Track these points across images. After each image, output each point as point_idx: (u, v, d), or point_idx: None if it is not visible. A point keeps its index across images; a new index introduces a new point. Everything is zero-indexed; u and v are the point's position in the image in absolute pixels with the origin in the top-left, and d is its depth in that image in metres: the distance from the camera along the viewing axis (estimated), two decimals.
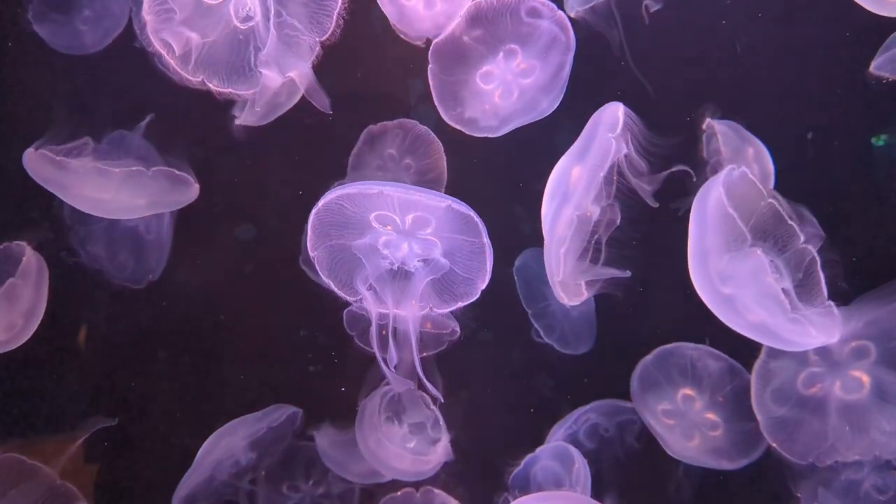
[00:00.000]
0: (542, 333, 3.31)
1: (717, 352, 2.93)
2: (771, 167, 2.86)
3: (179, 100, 2.72)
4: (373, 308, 2.53)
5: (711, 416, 2.92)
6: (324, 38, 2.69)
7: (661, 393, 3.00)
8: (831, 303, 2.31)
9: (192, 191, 2.90)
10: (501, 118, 2.81)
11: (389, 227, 2.44)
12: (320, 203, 2.40)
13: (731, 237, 2.20)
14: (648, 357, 3.02)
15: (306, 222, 3.14)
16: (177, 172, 2.82)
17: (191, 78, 2.58)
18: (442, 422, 3.02)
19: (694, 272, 2.35)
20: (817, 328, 2.23)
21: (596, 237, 2.48)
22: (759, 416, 2.65)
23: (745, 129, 2.94)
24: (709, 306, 2.36)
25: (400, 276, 2.52)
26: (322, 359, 3.45)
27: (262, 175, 3.40)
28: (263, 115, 2.89)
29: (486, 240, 2.38)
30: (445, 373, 2.89)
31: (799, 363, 2.57)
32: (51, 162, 2.73)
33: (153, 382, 3.48)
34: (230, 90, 2.63)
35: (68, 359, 3.42)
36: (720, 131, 2.84)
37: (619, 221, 2.47)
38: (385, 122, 3.10)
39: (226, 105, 2.83)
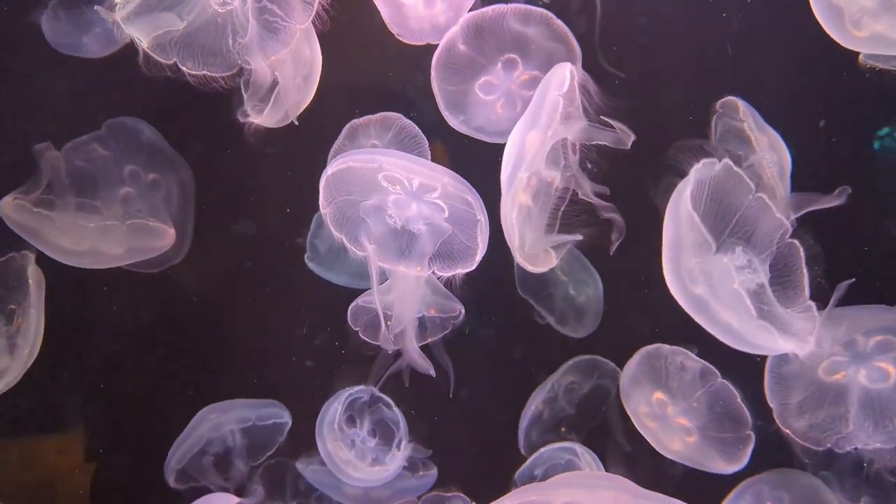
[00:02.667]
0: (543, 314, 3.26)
1: (691, 354, 2.80)
2: (787, 155, 2.69)
3: (176, 95, 2.70)
4: (375, 263, 2.56)
5: (684, 421, 2.81)
6: (304, 24, 2.68)
7: (641, 394, 2.89)
8: (811, 303, 2.19)
9: (168, 237, 2.97)
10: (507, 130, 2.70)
11: (398, 188, 2.46)
12: (329, 170, 2.45)
13: (700, 239, 2.09)
14: (633, 357, 2.92)
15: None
16: (150, 224, 2.91)
17: (162, 60, 2.56)
18: (403, 425, 3.01)
19: (666, 269, 2.26)
20: (788, 336, 2.12)
21: (562, 203, 2.44)
22: (772, 403, 2.55)
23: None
24: (681, 305, 2.26)
25: (402, 235, 2.54)
26: (322, 355, 3.41)
27: (259, 172, 3.38)
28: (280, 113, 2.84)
29: (480, 216, 2.41)
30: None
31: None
32: (28, 212, 2.79)
33: (152, 380, 3.47)
34: (204, 73, 2.60)
35: (67, 357, 3.40)
36: (746, 110, 2.67)
37: (581, 187, 2.44)
38: (369, 116, 3.01)
39: (223, 100, 2.78)
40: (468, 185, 2.46)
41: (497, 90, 2.70)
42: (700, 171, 2.15)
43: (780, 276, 2.20)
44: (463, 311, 2.81)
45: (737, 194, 2.19)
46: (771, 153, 2.58)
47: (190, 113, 3.14)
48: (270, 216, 3.42)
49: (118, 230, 2.84)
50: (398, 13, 2.69)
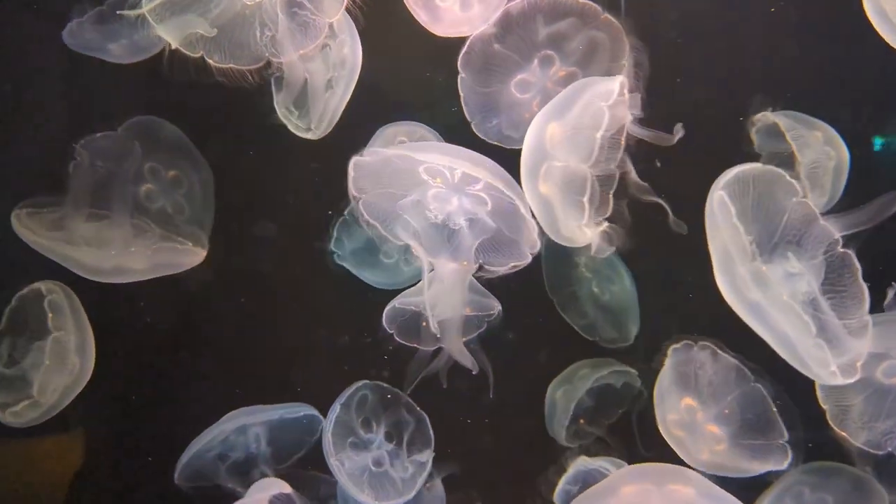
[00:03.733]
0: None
1: (723, 353, 2.68)
2: (845, 150, 2.64)
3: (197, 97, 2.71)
4: (424, 258, 2.48)
5: (714, 428, 2.67)
6: (334, 18, 2.61)
7: (670, 401, 2.75)
8: (868, 318, 2.11)
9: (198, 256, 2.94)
10: None
11: (439, 180, 2.38)
12: (364, 158, 2.37)
13: (746, 244, 2.05)
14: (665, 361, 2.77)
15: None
16: (178, 247, 2.87)
17: (189, 53, 2.53)
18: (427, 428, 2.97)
19: (717, 274, 2.19)
20: (840, 354, 2.06)
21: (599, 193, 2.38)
22: (826, 405, 2.44)
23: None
24: (737, 312, 2.19)
25: (442, 230, 2.47)
26: (346, 357, 3.35)
27: (280, 173, 3.32)
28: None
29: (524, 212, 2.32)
30: (466, 374, 2.79)
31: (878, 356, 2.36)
32: (45, 231, 2.79)
33: (168, 382, 3.41)
34: (231, 66, 2.56)
35: None
36: (785, 124, 2.63)
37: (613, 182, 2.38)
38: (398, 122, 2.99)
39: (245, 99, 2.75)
40: (511, 179, 2.39)
41: (533, 88, 2.62)
42: (742, 172, 2.10)
43: (834, 285, 2.14)
44: (500, 308, 2.73)
45: (781, 196, 2.12)
46: (827, 148, 2.53)
47: (210, 113, 3.09)
48: (292, 218, 3.36)
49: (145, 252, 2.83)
50: (435, 16, 2.63)
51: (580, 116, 2.31)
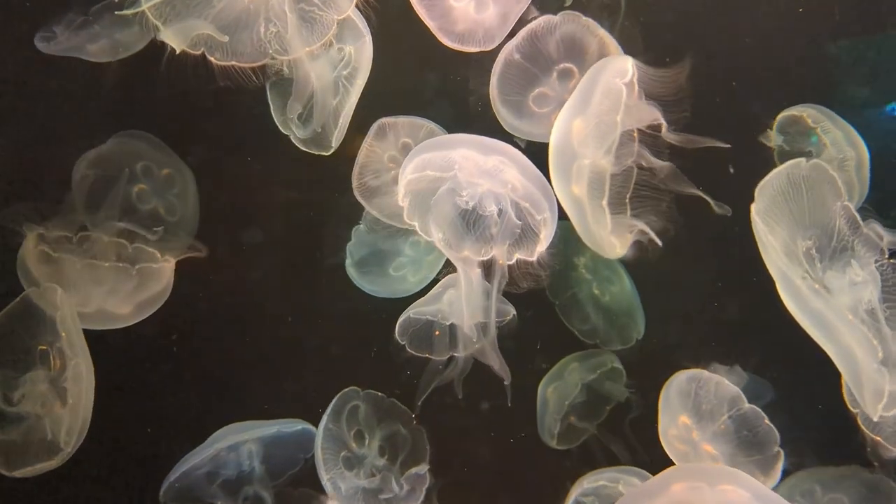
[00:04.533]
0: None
1: (723, 378, 2.63)
2: (865, 151, 2.63)
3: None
4: (451, 253, 2.46)
5: (709, 448, 2.60)
6: (342, 16, 2.52)
7: (669, 416, 2.69)
8: None
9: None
10: None
11: (472, 169, 2.34)
12: (409, 175, 2.35)
13: (801, 248, 2.02)
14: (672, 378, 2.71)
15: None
16: (154, 265, 2.71)
17: (189, 50, 2.40)
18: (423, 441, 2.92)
19: (777, 280, 2.14)
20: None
21: (624, 191, 2.37)
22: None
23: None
24: (798, 320, 2.16)
25: (472, 219, 2.42)
26: (342, 367, 3.23)
27: (269, 176, 3.20)
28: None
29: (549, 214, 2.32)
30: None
31: None
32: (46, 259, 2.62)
33: (152, 392, 3.24)
34: (233, 63, 2.45)
35: None
36: (812, 117, 2.62)
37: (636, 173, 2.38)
38: (397, 116, 2.86)
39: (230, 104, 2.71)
40: (539, 173, 2.35)
41: (552, 102, 2.55)
42: (790, 174, 2.06)
43: (890, 294, 2.10)
44: (515, 313, 2.68)
45: (829, 199, 2.08)
46: (850, 149, 2.53)
47: (197, 118, 2.99)
48: (283, 224, 3.24)
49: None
50: (447, 17, 2.54)
51: (601, 103, 2.26)
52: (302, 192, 3.15)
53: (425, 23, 2.54)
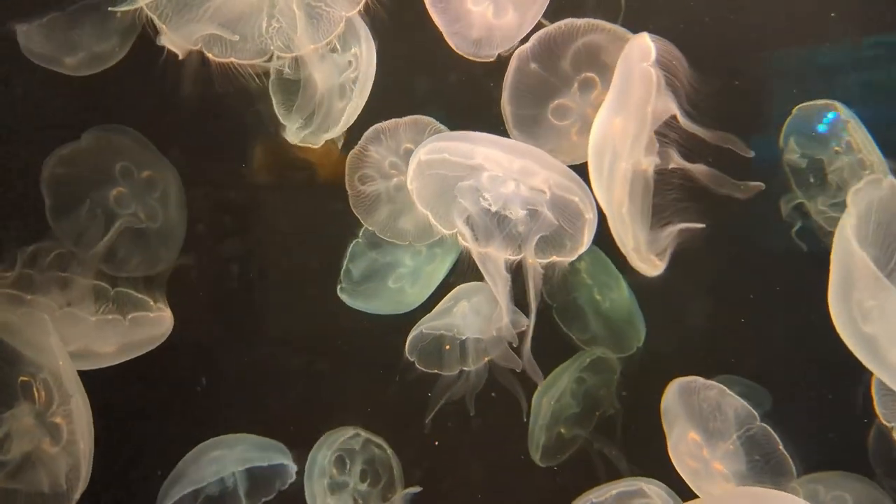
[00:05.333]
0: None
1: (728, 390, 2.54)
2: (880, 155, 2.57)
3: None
4: (473, 246, 2.37)
5: (720, 467, 2.51)
6: (350, 12, 2.38)
7: (678, 432, 2.60)
8: None
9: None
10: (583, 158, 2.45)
11: (496, 165, 2.24)
12: (422, 157, 2.26)
13: (870, 271, 1.93)
14: (668, 390, 2.62)
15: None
16: (151, 315, 2.54)
17: (187, 45, 2.26)
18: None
19: (832, 303, 2.09)
20: None
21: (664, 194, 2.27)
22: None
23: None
24: (848, 344, 2.11)
25: (497, 219, 2.34)
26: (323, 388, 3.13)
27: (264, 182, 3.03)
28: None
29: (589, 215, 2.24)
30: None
31: None
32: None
33: (135, 409, 3.04)
34: (232, 59, 2.30)
35: None
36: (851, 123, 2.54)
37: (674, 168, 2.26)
38: (395, 119, 2.71)
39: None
40: (576, 176, 2.26)
41: (573, 114, 2.44)
42: (866, 193, 1.99)
43: None
44: (529, 323, 2.54)
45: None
46: (874, 155, 2.50)
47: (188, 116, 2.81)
48: (271, 232, 3.08)
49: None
50: (463, 21, 2.40)
51: (637, 95, 2.15)
52: (300, 199, 3.00)
53: (438, 27, 2.41)
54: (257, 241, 3.05)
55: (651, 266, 2.22)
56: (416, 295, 2.83)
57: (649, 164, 2.20)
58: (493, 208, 2.28)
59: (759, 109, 2.87)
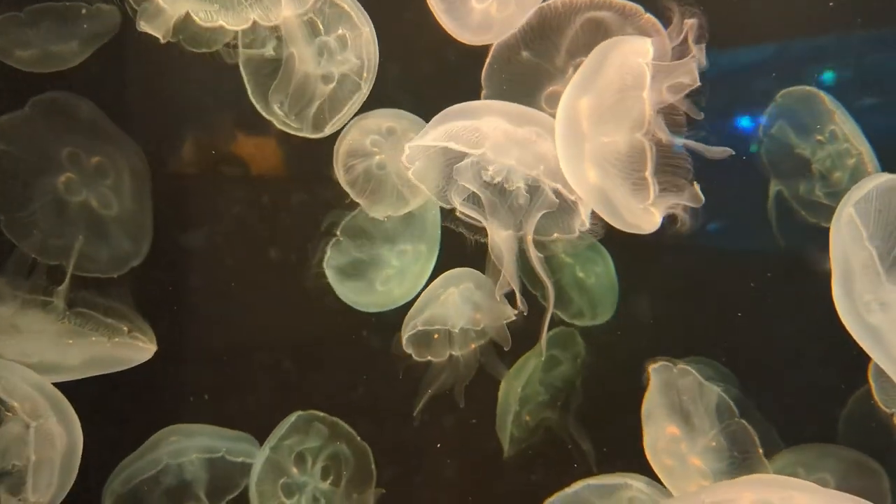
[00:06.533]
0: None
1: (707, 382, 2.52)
2: (868, 147, 2.56)
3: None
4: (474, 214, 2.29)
5: (698, 462, 2.46)
6: None
7: (655, 426, 2.53)
8: None
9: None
10: None
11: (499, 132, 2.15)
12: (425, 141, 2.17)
13: (871, 262, 1.93)
14: (651, 381, 2.56)
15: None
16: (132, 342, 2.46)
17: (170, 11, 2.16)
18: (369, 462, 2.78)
19: (836, 294, 2.05)
20: None
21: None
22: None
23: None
24: (850, 330, 2.08)
25: (498, 192, 2.26)
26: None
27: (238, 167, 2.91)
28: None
29: None
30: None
31: None
32: None
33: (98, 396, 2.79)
34: (220, 24, 2.20)
35: None
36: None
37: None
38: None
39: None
40: None
41: None
42: (869, 184, 1.97)
43: None
44: (516, 314, 2.49)
45: None
46: (862, 145, 2.49)
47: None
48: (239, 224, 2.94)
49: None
50: (467, 17, 2.28)
51: (618, 80, 2.08)
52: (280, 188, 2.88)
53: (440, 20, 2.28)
54: (223, 233, 2.91)
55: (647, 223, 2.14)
56: (403, 295, 2.73)
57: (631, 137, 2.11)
58: (496, 180, 2.20)
59: (742, 97, 2.85)
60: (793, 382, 2.96)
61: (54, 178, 2.47)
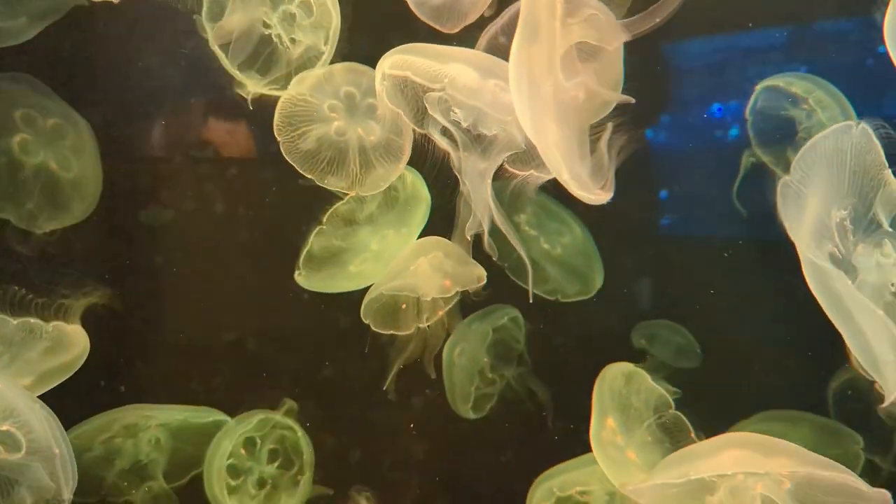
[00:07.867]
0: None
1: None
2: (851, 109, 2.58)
3: None
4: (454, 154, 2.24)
5: (633, 455, 2.38)
6: None
7: (598, 417, 2.44)
8: None
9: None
10: None
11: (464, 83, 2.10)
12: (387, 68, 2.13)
13: (840, 225, 1.89)
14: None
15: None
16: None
17: None
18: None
19: (802, 254, 1.95)
20: None
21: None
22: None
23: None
24: (817, 299, 1.97)
25: (470, 134, 2.22)
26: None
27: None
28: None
29: None
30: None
31: None
32: None
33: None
34: None
35: None
36: (802, 88, 2.52)
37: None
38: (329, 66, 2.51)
39: None
40: None
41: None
42: (837, 138, 1.86)
43: None
44: (485, 278, 2.44)
45: (872, 168, 1.89)
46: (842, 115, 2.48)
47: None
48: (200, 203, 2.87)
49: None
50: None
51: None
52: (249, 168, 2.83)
53: None
54: (182, 212, 2.85)
55: (594, 195, 2.02)
56: (376, 274, 2.64)
57: (575, 88, 2.01)
58: (465, 124, 2.15)
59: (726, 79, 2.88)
60: (767, 353, 2.96)
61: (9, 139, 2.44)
